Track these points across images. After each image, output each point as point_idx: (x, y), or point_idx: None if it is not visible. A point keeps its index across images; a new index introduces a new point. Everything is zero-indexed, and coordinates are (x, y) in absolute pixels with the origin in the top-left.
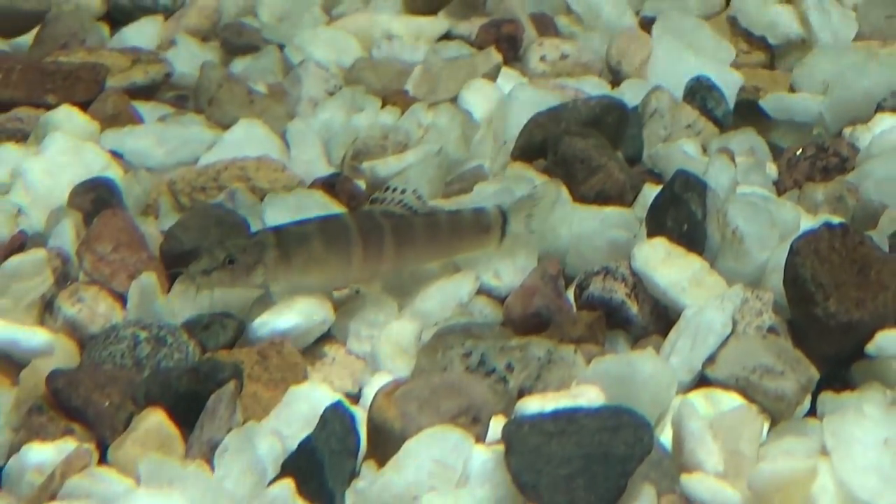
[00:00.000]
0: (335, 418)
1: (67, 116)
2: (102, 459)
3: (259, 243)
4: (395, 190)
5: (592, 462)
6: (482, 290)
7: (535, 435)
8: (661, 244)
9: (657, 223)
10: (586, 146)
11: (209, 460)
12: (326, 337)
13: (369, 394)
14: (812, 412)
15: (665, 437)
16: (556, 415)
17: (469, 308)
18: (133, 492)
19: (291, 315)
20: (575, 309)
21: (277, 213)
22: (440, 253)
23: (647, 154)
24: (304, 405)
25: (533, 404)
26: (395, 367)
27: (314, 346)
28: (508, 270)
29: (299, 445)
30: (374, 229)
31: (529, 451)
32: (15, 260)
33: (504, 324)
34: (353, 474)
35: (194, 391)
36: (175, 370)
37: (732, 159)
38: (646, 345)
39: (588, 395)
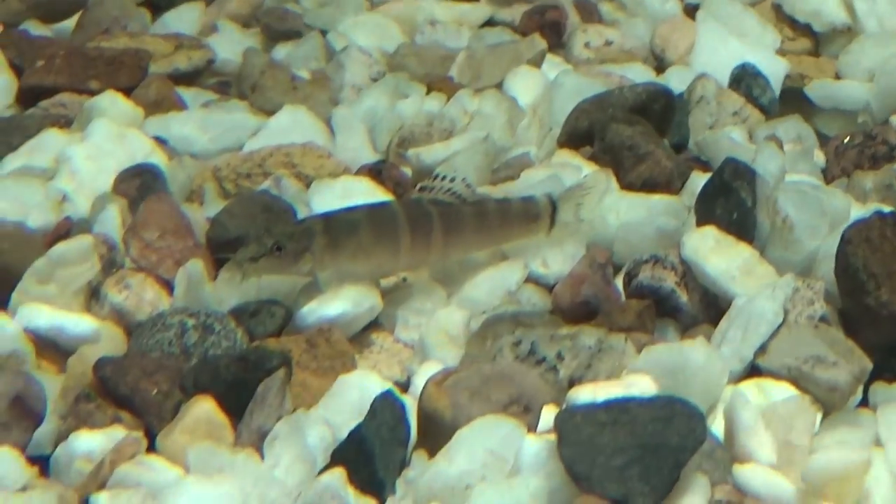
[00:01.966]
0: (385, 407)
1: (112, 102)
2: (150, 448)
3: (307, 230)
4: (443, 178)
5: (646, 452)
6: (530, 279)
7: (588, 425)
8: (710, 232)
9: (706, 211)
10: (633, 133)
11: (258, 449)
12: (374, 325)
13: (419, 383)
14: (864, 403)
15: (717, 427)
16: (609, 405)
17: (517, 296)
18: (182, 480)
19: (339, 302)
20: (624, 297)
21: (324, 200)
22: (489, 241)
23: (693, 141)
24: (353, 394)
25: (584, 393)
26: (443, 356)
27: (362, 335)
28: (556, 258)
29: (349, 435)
30: (423, 217)
31: (582, 441)
32: (61, 246)
33: (552, 312)
34: (404, 464)
35: (243, 379)
36: (223, 358)
37: (781, 147)
38: (696, 334)
39: (640, 385)
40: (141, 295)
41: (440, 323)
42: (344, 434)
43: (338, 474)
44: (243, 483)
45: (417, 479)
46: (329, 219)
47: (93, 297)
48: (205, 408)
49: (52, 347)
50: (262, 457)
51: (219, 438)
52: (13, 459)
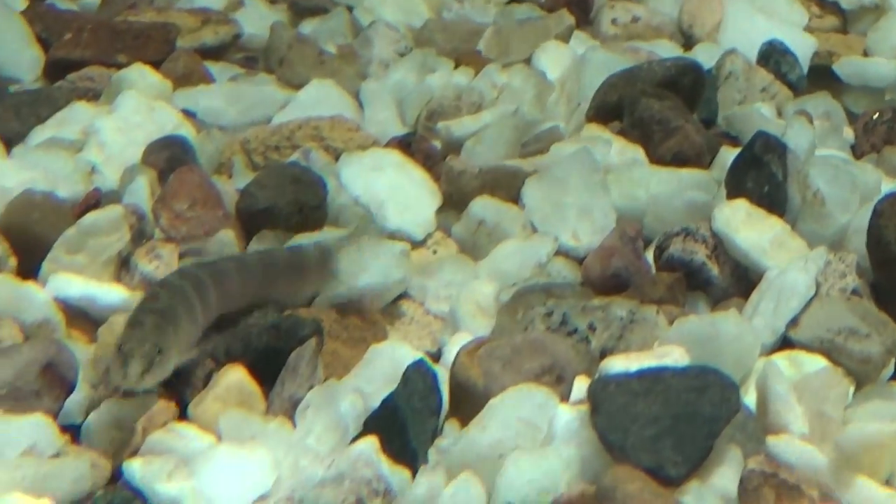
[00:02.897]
0: (417, 376)
1: (140, 75)
2: (182, 416)
3: (159, 327)
4: None
5: (679, 422)
6: (560, 251)
7: (622, 394)
8: (741, 205)
9: (737, 185)
10: (663, 108)
11: (290, 417)
12: (404, 296)
13: (450, 353)
14: None
15: (749, 399)
16: (642, 374)
17: (547, 269)
18: (215, 447)
19: (370, 274)
20: (654, 271)
21: (353, 172)
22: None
23: (722, 117)
24: (385, 363)
25: (617, 363)
26: (474, 327)
27: (392, 306)
28: (587, 231)
29: (382, 403)
30: (203, 287)
31: (616, 410)
32: (91, 216)
33: (582, 285)
34: (436, 433)
35: (275, 348)
36: (255, 327)
37: (811, 122)
38: (727, 307)
39: (673, 355)
40: (171, 265)
41: (471, 294)
42: (375, 403)
43: (371, 442)
44: (276, 450)
45: (450, 448)
46: (159, 312)
47: (122, 267)
48: (236, 376)
49: (82, 317)
50: (294, 425)
51: (250, 407)
52: (46, 426)
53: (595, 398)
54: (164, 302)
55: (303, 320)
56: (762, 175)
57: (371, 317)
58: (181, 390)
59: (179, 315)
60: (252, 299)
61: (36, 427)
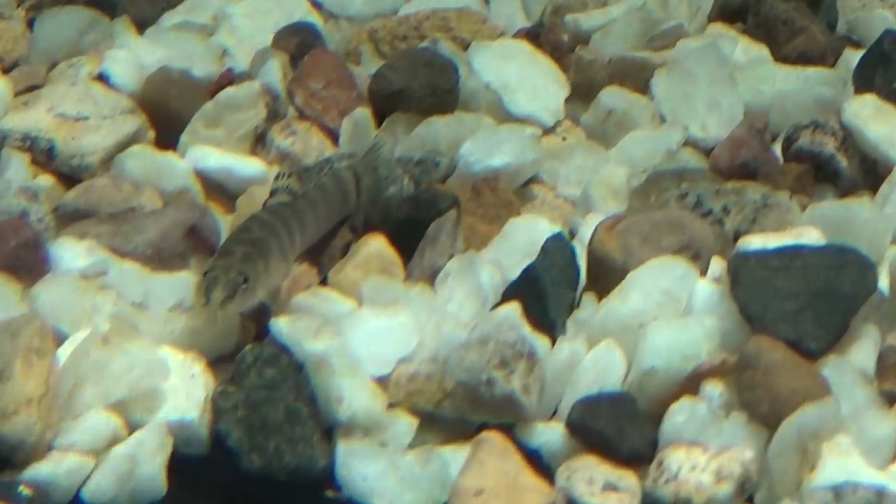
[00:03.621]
0: (556, 249)
1: None
2: (322, 283)
3: (250, 256)
4: (281, 176)
5: (818, 298)
6: (688, 142)
7: (761, 269)
8: (870, 100)
9: (865, 81)
10: (788, 8)
11: (431, 285)
12: (535, 180)
13: (584, 232)
14: None
15: (881, 283)
16: (781, 251)
17: (676, 158)
18: (357, 311)
19: (504, 154)
20: (782, 162)
21: (484, 61)
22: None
23: (843, 21)
24: (522, 237)
25: (755, 241)
26: (607, 209)
27: (524, 189)
28: (714, 123)
29: (523, 273)
30: (288, 227)
31: (756, 283)
32: (230, 91)
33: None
34: (573, 305)
35: (414, 218)
36: (394, 199)
37: None
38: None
39: (809, 236)
40: (307, 141)
41: (603, 178)
42: (513, 276)
43: (513, 308)
44: (418, 315)
45: (589, 318)
46: (254, 243)
47: (258, 143)
48: (377, 245)
49: (219, 190)
50: (435, 292)
51: (390, 274)
52: (192, 284)
53: (735, 271)
54: (256, 234)
55: (442, 193)
56: (890, 72)
57: (505, 196)
58: (321, 260)
59: (270, 249)
60: (318, 235)
61: (183, 284)
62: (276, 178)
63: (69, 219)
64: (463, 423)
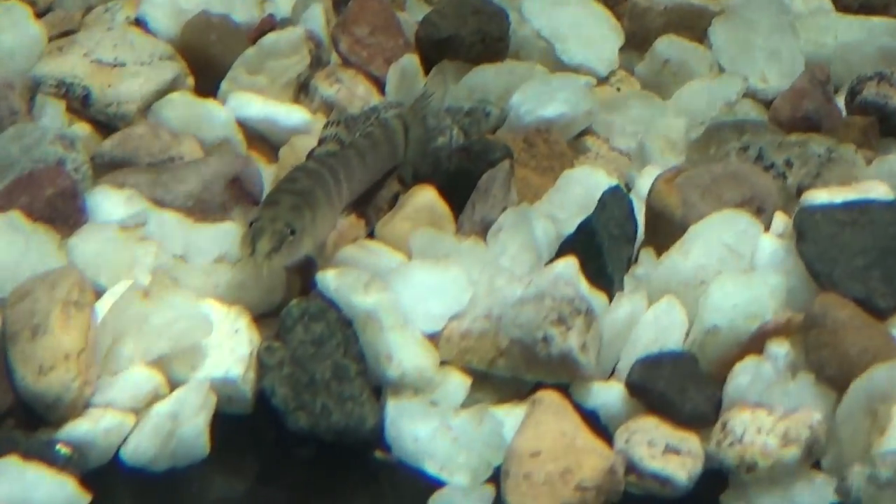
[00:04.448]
0: (614, 202)
1: None
2: (370, 236)
3: (297, 207)
4: (331, 123)
5: (888, 255)
6: (747, 93)
7: (828, 224)
8: None
9: None
10: None
11: (483, 238)
12: (588, 132)
13: (641, 186)
14: None
15: None
16: (848, 205)
17: (735, 110)
18: (407, 264)
19: (557, 104)
20: (845, 115)
21: (536, 6)
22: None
23: None
24: (578, 189)
25: (820, 196)
26: (664, 162)
27: (577, 141)
28: (775, 74)
29: (579, 227)
30: (336, 176)
31: (822, 239)
32: (272, 37)
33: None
34: (631, 261)
35: (465, 169)
36: (444, 149)
37: None
38: None
39: (876, 191)
40: (352, 89)
41: (660, 129)
42: (568, 230)
43: (571, 263)
44: (470, 269)
45: (648, 274)
46: (301, 193)
47: (301, 91)
48: (427, 196)
49: (261, 139)
50: (487, 246)
51: (440, 227)
52: (237, 236)
53: (801, 226)
54: (303, 184)
55: (494, 143)
56: None
57: (558, 148)
58: (367, 212)
59: (318, 199)
60: (366, 186)
61: (226, 236)
62: (326, 125)
63: (106, 168)
64: (517, 382)
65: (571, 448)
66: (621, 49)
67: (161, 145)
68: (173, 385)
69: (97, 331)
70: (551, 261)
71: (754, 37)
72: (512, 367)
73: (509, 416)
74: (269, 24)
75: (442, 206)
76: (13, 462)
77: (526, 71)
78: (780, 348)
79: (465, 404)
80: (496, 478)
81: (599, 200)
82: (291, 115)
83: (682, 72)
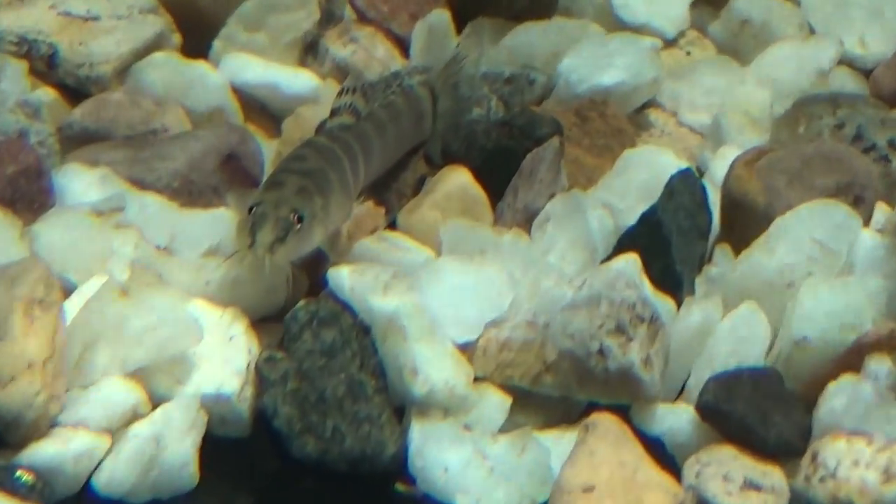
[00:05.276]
0: (684, 189)
1: None
2: (391, 226)
3: (305, 191)
4: (346, 91)
5: None
6: (843, 60)
7: None
8: None
9: None
10: None
11: (526, 230)
12: (653, 104)
13: (716, 169)
14: None
15: None
16: None
17: (828, 80)
18: (436, 261)
19: (615, 70)
20: None
21: None
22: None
23: None
24: (641, 173)
25: None
26: (744, 141)
27: (639, 115)
28: (876, 37)
29: (641, 218)
30: (352, 154)
31: None
32: None
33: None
34: (704, 258)
35: (506, 147)
36: (480, 123)
37: None
38: None
39: None
40: (370, 50)
41: (739, 102)
42: (628, 221)
43: (631, 260)
44: (511, 267)
45: (724, 275)
46: (310, 174)
47: (308, 52)
48: (459, 180)
49: (260, 109)
50: (532, 239)
51: (475, 216)
52: (231, 223)
53: None
54: (313, 163)
55: (540, 117)
56: None
57: (616, 123)
58: (388, 198)
59: (330, 182)
60: (387, 166)
61: (219, 224)
62: (339, 94)
63: (76, 142)
64: (567, 402)
65: (632, 483)
66: (692, 5)
67: (142, 115)
68: (156, 401)
69: (66, 335)
70: (608, 258)
71: None
72: (561, 385)
73: (557, 443)
74: None
75: (477, 192)
76: None
77: (578, 30)
78: (881, 365)
79: (505, 429)
80: None
81: (666, 187)
82: (297, 80)
83: (765, 33)
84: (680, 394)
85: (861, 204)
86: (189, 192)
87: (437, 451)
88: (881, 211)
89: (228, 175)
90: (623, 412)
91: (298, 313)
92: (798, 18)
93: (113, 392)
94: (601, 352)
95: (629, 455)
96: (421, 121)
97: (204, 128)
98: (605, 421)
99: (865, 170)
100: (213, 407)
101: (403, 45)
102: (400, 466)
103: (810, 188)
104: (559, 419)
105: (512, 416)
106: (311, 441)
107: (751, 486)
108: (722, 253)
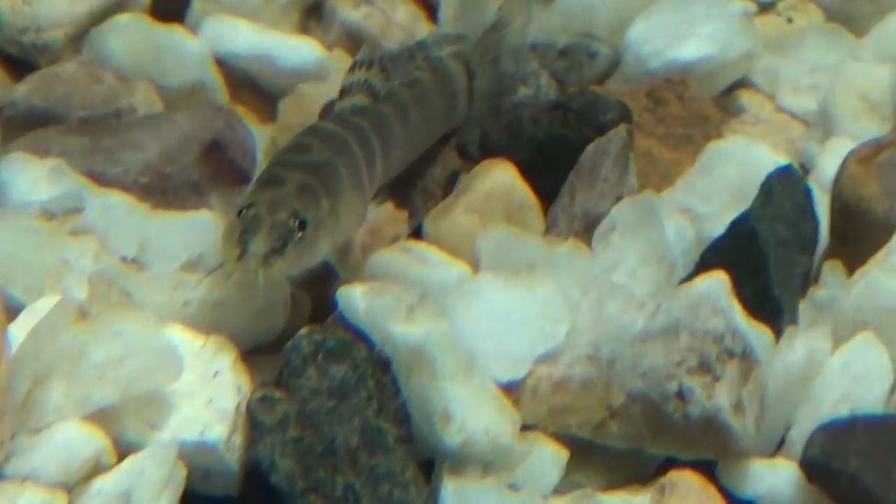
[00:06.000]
0: (784, 191)
1: None
2: (415, 234)
3: (308, 189)
4: (360, 66)
5: None
6: None
7: None
8: None
9: None
10: None
11: (587, 241)
12: (745, 84)
13: (825, 166)
14: None
15: None
16: None
17: None
18: (472, 278)
19: (698, 42)
20: None
21: None
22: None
23: None
24: (729, 170)
25: None
26: (859, 130)
27: (728, 97)
28: None
29: (731, 228)
30: (369, 145)
31: None
32: None
33: None
34: (809, 278)
35: (560, 138)
36: (528, 106)
37: None
38: None
39: None
40: (389, 14)
41: (852, 82)
42: (715, 232)
43: (719, 280)
44: (567, 287)
45: (834, 300)
46: (315, 169)
47: (311, 15)
48: (501, 178)
49: (250, 86)
50: (593, 253)
51: (523, 223)
52: (213, 231)
53: None
54: (318, 155)
55: (604, 100)
56: None
57: (699, 108)
58: (412, 199)
59: (340, 178)
60: (410, 160)
61: (200, 230)
62: (351, 68)
63: (21, 126)
64: (638, 457)
65: None
66: None
67: (103, 93)
68: (123, 450)
69: (10, 367)
70: (689, 277)
71: None
72: (630, 435)
73: None
74: None
75: (524, 192)
76: None
77: None
78: None
79: (560, 489)
80: None
81: (761, 188)
82: (296, 50)
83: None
84: (779, 447)
85: None
86: (162, 190)
87: None
88: None
89: (212, 168)
90: (708, 469)
91: (300, 343)
92: None
93: (70, 438)
94: (680, 394)
95: None
96: (453, 102)
97: (180, 109)
98: (685, 480)
99: None
100: (194, 457)
101: (430, 7)
102: None
103: None
104: (628, 478)
105: (569, 473)
106: (318, 502)
107: None
108: (832, 271)
